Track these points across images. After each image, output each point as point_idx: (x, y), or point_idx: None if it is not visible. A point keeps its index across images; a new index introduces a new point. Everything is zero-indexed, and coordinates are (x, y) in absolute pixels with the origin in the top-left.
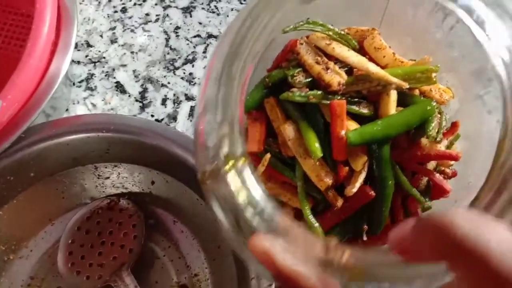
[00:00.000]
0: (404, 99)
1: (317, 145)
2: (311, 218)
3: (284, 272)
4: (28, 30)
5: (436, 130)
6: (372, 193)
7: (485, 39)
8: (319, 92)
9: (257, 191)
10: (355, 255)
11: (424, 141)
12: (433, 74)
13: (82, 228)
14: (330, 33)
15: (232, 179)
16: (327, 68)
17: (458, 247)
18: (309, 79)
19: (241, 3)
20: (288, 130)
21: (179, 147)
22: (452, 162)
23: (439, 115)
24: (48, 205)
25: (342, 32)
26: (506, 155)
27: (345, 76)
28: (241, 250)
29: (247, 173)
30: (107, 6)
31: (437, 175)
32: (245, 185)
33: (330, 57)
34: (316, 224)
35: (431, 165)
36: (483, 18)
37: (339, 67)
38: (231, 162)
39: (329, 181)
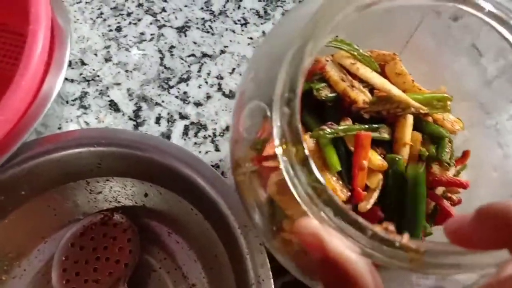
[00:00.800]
0: (420, 125)
1: (335, 158)
2: None
3: (332, 255)
4: (21, 49)
5: (449, 156)
6: (381, 214)
7: None
8: (346, 126)
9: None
10: (414, 241)
11: (435, 167)
12: (448, 103)
13: (76, 244)
14: (355, 53)
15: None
16: (352, 86)
17: None
18: (335, 94)
19: (235, 23)
20: (308, 141)
21: (171, 158)
22: (460, 190)
23: (449, 143)
24: (40, 223)
25: (366, 54)
26: None
27: (369, 95)
28: (269, 239)
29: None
30: (102, 25)
31: (445, 201)
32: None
33: (354, 76)
34: None
35: (439, 191)
36: None
37: (363, 87)
38: (303, 152)
39: (343, 196)
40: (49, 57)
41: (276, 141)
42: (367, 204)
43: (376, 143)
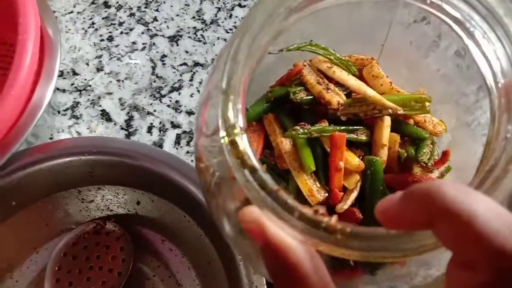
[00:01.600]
0: (399, 126)
1: (311, 159)
2: None
3: (273, 242)
4: (10, 59)
5: (428, 157)
6: (360, 215)
7: (480, 58)
8: (320, 127)
9: (255, 160)
10: (342, 222)
11: (416, 168)
12: (427, 104)
13: (69, 254)
14: (332, 57)
15: (239, 140)
16: (328, 89)
17: (444, 210)
18: (310, 97)
19: (227, 32)
20: (284, 143)
21: (163, 165)
22: None
23: (431, 145)
24: (32, 233)
25: (343, 58)
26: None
27: (344, 97)
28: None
29: (246, 143)
30: (94, 35)
31: None
32: (247, 153)
33: (331, 80)
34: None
35: None
36: (478, 33)
37: (339, 90)
38: (235, 130)
39: (319, 197)
40: (39, 67)
41: (221, 131)
42: (344, 204)
43: (356, 145)
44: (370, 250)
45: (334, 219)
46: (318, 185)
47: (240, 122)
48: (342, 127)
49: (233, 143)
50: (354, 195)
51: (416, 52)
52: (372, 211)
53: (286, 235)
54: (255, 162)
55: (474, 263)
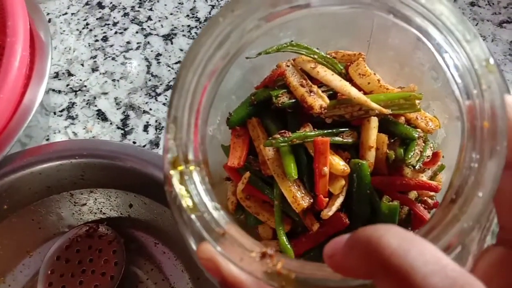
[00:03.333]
0: (388, 126)
1: (293, 166)
2: (284, 239)
3: (228, 280)
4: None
5: (417, 159)
6: (347, 220)
7: (444, 65)
8: (302, 133)
9: (204, 198)
10: (290, 264)
11: (406, 169)
12: (417, 101)
13: (62, 257)
14: (315, 56)
15: (176, 183)
16: (311, 91)
17: (384, 265)
18: (293, 100)
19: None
20: (267, 150)
21: (155, 168)
22: (433, 193)
23: (423, 144)
24: (24, 237)
25: (328, 56)
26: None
27: (327, 100)
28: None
29: (196, 179)
30: (88, 35)
31: (418, 205)
32: (191, 190)
33: (315, 80)
34: (289, 246)
35: (413, 194)
36: (440, 43)
37: (323, 91)
38: (179, 167)
39: (304, 204)
40: (30, 69)
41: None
42: (329, 211)
43: (342, 148)
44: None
45: (280, 264)
46: (303, 191)
47: (190, 155)
48: (326, 131)
49: (171, 185)
50: (340, 200)
51: (404, 47)
52: (359, 215)
53: (240, 272)
54: (205, 200)
55: None
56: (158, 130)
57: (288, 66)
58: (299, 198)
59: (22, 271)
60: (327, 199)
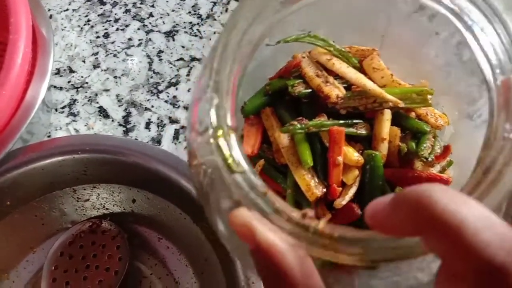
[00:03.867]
0: (400, 120)
1: (308, 154)
2: None
3: (263, 246)
4: (2, 58)
5: (429, 151)
6: (359, 211)
7: (475, 43)
8: (318, 121)
9: (243, 162)
10: (331, 226)
11: (417, 163)
12: (429, 96)
13: (65, 253)
14: (331, 49)
15: (223, 144)
16: (327, 82)
17: (434, 220)
18: (309, 90)
19: (224, 26)
20: (282, 138)
21: (158, 163)
22: None
23: (433, 139)
24: (27, 233)
25: (343, 49)
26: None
27: (343, 90)
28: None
29: (234, 145)
30: (89, 32)
31: None
32: (233, 154)
33: (330, 72)
34: None
35: None
36: (474, 18)
37: (338, 83)
38: (220, 132)
39: (318, 192)
40: (32, 66)
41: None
42: (342, 200)
43: (355, 139)
44: (359, 254)
45: (322, 223)
46: (317, 180)
47: (228, 121)
48: (341, 121)
49: (218, 146)
50: (353, 190)
51: (417, 43)
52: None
53: (276, 239)
54: (243, 163)
55: (462, 275)
56: (160, 127)
57: (304, 57)
58: (313, 187)
59: (26, 267)
60: (340, 189)
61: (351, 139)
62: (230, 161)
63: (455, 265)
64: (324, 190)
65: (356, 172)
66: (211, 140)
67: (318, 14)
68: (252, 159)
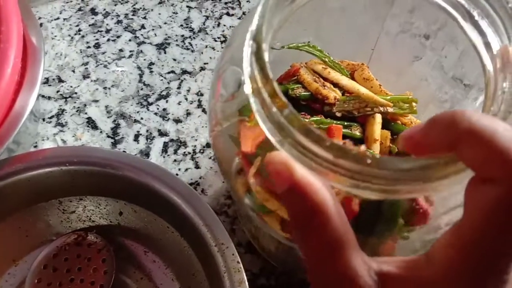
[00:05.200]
0: (389, 125)
1: None
2: None
3: (301, 183)
4: None
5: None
6: (357, 207)
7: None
8: (318, 118)
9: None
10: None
11: None
12: (414, 104)
13: (49, 266)
14: (326, 59)
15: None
16: (324, 86)
17: (469, 130)
18: (308, 93)
19: (215, 41)
20: None
21: (146, 175)
22: None
23: None
24: (11, 245)
25: (336, 61)
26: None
27: (339, 93)
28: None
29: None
30: (80, 42)
31: (420, 199)
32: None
33: (325, 80)
34: None
35: None
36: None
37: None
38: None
39: None
40: (21, 75)
41: (247, 87)
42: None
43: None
44: (396, 180)
45: (362, 147)
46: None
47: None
48: (338, 122)
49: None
50: None
51: (403, 59)
52: (366, 202)
53: (313, 177)
54: (284, 98)
55: (495, 177)
56: (148, 140)
57: (301, 66)
58: None
59: (8, 280)
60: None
61: (345, 139)
62: (279, 99)
63: (487, 169)
64: None
65: None
66: (251, 97)
67: (312, 30)
68: (249, 158)
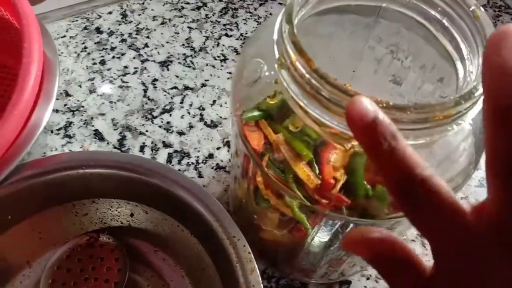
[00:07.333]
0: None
1: (306, 149)
2: (298, 212)
3: (383, 125)
4: (4, 80)
5: None
6: (347, 200)
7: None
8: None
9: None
10: None
11: None
12: None
13: (62, 267)
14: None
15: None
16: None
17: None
18: None
19: (215, 59)
20: (280, 138)
21: (157, 177)
22: None
23: None
24: (25, 247)
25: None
26: None
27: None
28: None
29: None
30: (86, 58)
31: None
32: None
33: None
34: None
35: None
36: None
37: None
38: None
39: (316, 180)
40: (38, 89)
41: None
42: (335, 190)
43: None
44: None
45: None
46: (315, 171)
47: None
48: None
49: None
50: (340, 182)
51: (383, 82)
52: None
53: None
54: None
55: None
56: (153, 151)
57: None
58: (312, 176)
59: (22, 281)
60: (334, 181)
61: None
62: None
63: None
64: (319, 181)
65: (342, 170)
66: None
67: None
68: (258, 155)
